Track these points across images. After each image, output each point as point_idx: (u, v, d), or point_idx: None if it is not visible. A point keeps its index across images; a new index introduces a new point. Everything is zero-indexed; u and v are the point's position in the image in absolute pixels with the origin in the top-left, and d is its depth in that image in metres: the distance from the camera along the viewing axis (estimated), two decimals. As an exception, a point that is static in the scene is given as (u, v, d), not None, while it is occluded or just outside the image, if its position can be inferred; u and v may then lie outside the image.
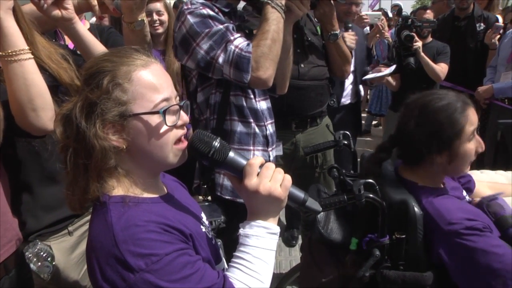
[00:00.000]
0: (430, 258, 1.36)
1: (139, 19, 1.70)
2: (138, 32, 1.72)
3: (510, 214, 1.51)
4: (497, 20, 4.11)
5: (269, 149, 1.84)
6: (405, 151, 1.50)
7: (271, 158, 1.84)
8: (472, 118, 1.40)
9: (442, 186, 1.48)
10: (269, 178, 1.01)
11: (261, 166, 1.02)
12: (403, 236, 1.34)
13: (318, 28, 2.40)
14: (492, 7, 4.63)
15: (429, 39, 3.74)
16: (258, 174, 1.01)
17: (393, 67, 3.39)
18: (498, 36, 3.87)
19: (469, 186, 1.68)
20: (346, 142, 1.84)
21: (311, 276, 1.58)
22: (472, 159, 1.44)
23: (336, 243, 1.47)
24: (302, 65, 2.34)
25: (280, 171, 1.04)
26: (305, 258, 1.70)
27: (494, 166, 2.47)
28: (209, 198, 1.74)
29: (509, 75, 3.44)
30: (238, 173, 1.03)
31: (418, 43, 3.51)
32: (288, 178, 1.03)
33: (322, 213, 1.50)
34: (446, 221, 1.33)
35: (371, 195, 1.32)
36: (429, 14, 4.45)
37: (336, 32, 2.34)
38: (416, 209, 1.34)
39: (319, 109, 2.47)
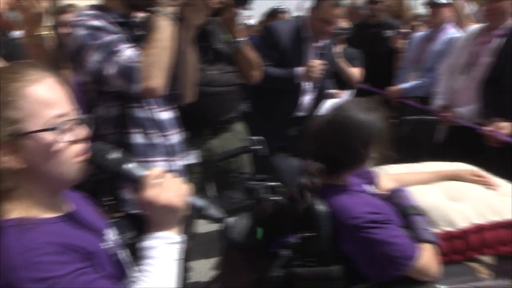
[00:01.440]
0: (339, 252, 1.43)
1: (41, 33, 1.66)
2: (39, 46, 1.67)
3: (412, 204, 1.62)
4: (402, 27, 4.40)
5: (174, 158, 1.84)
6: (317, 158, 1.53)
7: (177, 167, 1.84)
8: (378, 126, 1.48)
9: (346, 183, 1.55)
10: (165, 188, 1.02)
11: (158, 177, 1.03)
12: (312, 234, 1.39)
13: (227, 35, 2.43)
14: (402, 14, 4.93)
15: (343, 45, 3.92)
16: (155, 186, 1.01)
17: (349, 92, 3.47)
18: (405, 40, 4.13)
19: (373, 180, 1.77)
20: (256, 147, 1.87)
21: (229, 281, 1.60)
22: (374, 161, 1.53)
23: (248, 246, 1.49)
24: (212, 72, 2.37)
25: (177, 181, 1.05)
26: (222, 265, 1.72)
27: (405, 161, 2.62)
28: (122, 213, 1.71)
29: (415, 75, 3.69)
30: (137, 185, 1.03)
31: (338, 49, 3.69)
32: (186, 187, 1.05)
33: (234, 217, 1.53)
34: (349, 216, 1.40)
35: (275, 198, 1.36)
36: (343, 22, 4.67)
37: (238, 40, 2.39)
38: (320, 207, 1.39)
39: (231, 115, 2.50)
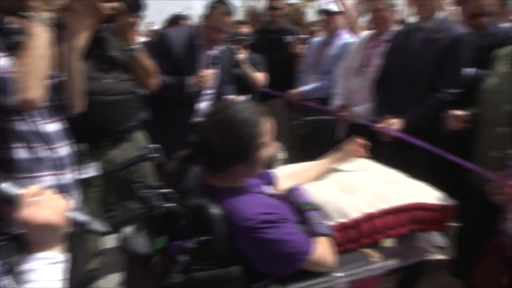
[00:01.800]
0: (237, 253, 1.44)
1: None
2: None
3: (307, 200, 1.68)
4: (301, 33, 4.58)
5: (63, 172, 1.76)
6: (207, 160, 1.55)
7: (67, 181, 1.76)
8: (267, 127, 1.51)
9: (243, 184, 1.57)
10: (43, 206, 0.97)
11: (35, 195, 0.98)
12: (208, 237, 1.39)
13: (122, 43, 2.38)
14: (301, 21, 5.13)
15: (247, 51, 3.99)
16: (31, 204, 0.96)
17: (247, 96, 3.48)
18: (304, 45, 4.31)
19: (271, 180, 1.81)
20: (153, 155, 1.84)
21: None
22: (263, 164, 1.56)
23: (146, 256, 1.46)
24: (107, 81, 2.30)
25: (56, 197, 1.00)
26: (126, 279, 1.67)
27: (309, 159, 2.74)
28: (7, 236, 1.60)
29: (314, 78, 3.85)
30: (13, 205, 0.97)
31: (242, 55, 3.76)
32: (65, 203, 1.00)
33: (132, 228, 1.49)
34: (243, 218, 1.42)
35: (167, 205, 1.35)
36: (246, 28, 4.77)
37: (132, 47, 2.35)
38: (214, 210, 1.40)
39: (130, 124, 2.45)
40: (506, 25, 3.05)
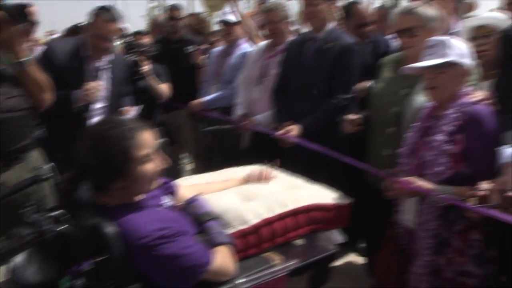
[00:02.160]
0: (135, 271, 1.42)
1: None
2: None
3: (207, 211, 1.71)
4: (202, 43, 4.61)
5: None
6: (89, 178, 1.52)
7: None
8: (144, 141, 1.49)
9: (137, 200, 1.56)
10: None
11: None
12: (104, 257, 1.36)
13: (9, 55, 2.23)
14: (204, 31, 5.15)
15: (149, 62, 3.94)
16: None
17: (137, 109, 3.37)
18: (205, 56, 4.34)
19: (171, 190, 1.82)
20: (48, 176, 1.76)
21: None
22: (154, 178, 1.55)
23: (38, 285, 1.39)
24: None
25: None
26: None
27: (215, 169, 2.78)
28: None
29: (215, 88, 3.90)
30: None
31: (147, 67, 3.70)
32: None
33: (22, 256, 1.41)
34: (138, 235, 1.40)
35: (58, 228, 1.31)
36: (147, 39, 4.71)
37: (21, 60, 2.23)
38: (108, 229, 1.38)
39: (23, 143, 2.31)
40: (388, 36, 3.34)
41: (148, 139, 1.50)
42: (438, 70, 1.95)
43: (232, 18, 3.94)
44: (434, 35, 2.21)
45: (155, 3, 22.98)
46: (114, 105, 3.10)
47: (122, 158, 1.44)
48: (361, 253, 3.33)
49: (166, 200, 1.71)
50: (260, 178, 2.13)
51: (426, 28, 2.30)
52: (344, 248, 3.08)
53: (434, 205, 1.94)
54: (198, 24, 5.13)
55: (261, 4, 4.02)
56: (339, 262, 3.23)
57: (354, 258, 3.36)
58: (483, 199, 1.71)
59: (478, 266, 1.94)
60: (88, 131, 1.51)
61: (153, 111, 3.99)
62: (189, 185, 1.98)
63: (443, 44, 1.96)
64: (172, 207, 1.71)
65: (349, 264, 3.33)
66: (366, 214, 2.73)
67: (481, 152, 1.90)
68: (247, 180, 2.13)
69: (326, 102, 2.86)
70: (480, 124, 1.90)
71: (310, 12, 2.96)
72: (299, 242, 1.96)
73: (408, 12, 2.35)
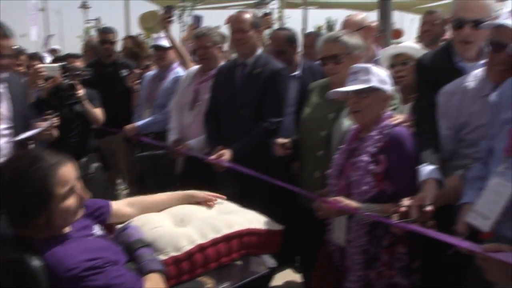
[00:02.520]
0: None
1: None
2: None
3: (138, 238, 1.69)
4: (136, 67, 4.56)
5: None
6: (6, 212, 1.46)
7: None
8: (65, 177, 1.46)
9: (63, 232, 1.52)
10: None
11: None
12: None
13: None
14: (142, 54, 5.08)
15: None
16: None
17: (49, 122, 3.23)
18: (139, 80, 4.30)
19: (103, 217, 1.79)
20: None
21: None
22: (78, 209, 1.52)
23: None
24: None
25: None
26: None
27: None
28: None
29: (149, 112, 3.88)
30: None
31: (82, 91, 3.61)
32: None
33: None
34: (66, 268, 1.36)
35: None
36: (80, 62, 4.59)
37: None
38: (34, 263, 1.33)
39: None
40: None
41: (68, 174, 1.47)
42: (361, 95, 2.07)
43: (165, 43, 3.95)
44: (357, 62, 2.35)
45: (91, 24, 22.63)
46: (19, 125, 2.82)
47: (42, 197, 1.40)
48: (298, 270, 3.39)
49: (96, 229, 1.67)
50: (203, 197, 2.15)
51: (350, 55, 2.43)
52: (283, 266, 3.14)
53: (362, 222, 2.04)
54: (135, 47, 5.05)
55: (194, 29, 4.07)
56: (277, 280, 3.28)
57: (292, 275, 3.44)
58: (405, 215, 1.81)
59: (405, 278, 2.05)
60: (5, 167, 1.45)
61: (88, 136, 3.90)
62: (130, 202, 1.97)
63: (365, 71, 2.08)
64: (103, 236, 1.67)
65: (288, 282, 3.41)
66: (301, 233, 2.80)
67: (402, 171, 2.02)
68: (190, 197, 2.14)
69: (256, 126, 2.92)
70: (400, 145, 2.03)
71: (238, 38, 3.04)
72: (231, 264, 1.98)
73: (334, 40, 2.48)
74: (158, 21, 4.89)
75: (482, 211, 1.57)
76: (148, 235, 1.76)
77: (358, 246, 2.06)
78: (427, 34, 3.90)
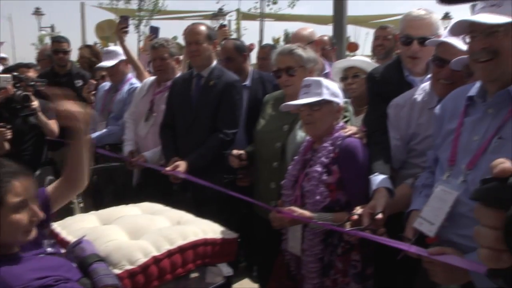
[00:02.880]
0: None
1: None
2: None
3: (92, 253, 1.66)
4: (91, 78, 4.47)
5: None
6: None
7: None
8: (20, 188, 1.43)
9: (13, 250, 1.47)
10: None
11: None
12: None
13: None
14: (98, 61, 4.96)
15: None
16: None
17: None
18: (94, 91, 4.23)
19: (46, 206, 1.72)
20: None
21: None
22: (29, 229, 1.48)
23: None
24: None
25: None
26: None
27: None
28: None
29: (104, 124, 3.82)
30: None
31: (36, 102, 3.50)
32: None
33: None
34: (15, 286, 1.33)
35: None
36: (33, 72, 4.45)
37: None
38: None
39: None
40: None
41: (24, 187, 1.45)
42: (313, 107, 2.13)
43: (111, 60, 3.85)
44: (311, 75, 2.42)
45: (45, 32, 21.90)
46: None
47: None
48: (255, 280, 3.41)
49: (47, 247, 1.63)
50: None
51: (304, 68, 2.50)
52: (240, 276, 3.15)
53: (316, 231, 2.09)
54: (93, 57, 4.93)
55: (151, 40, 4.03)
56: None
57: (250, 284, 3.45)
58: (357, 223, 1.87)
59: (359, 284, 2.10)
60: None
61: (42, 149, 3.79)
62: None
63: (317, 84, 2.14)
64: (54, 253, 1.63)
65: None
66: (258, 243, 2.83)
67: (354, 181, 2.09)
68: None
69: (212, 137, 2.94)
70: (352, 156, 2.09)
71: (193, 50, 3.05)
72: (188, 276, 1.98)
73: (288, 52, 2.54)
74: (114, 30, 4.82)
75: (428, 217, 1.64)
76: (102, 249, 1.74)
77: (313, 254, 2.10)
78: (380, 49, 4.06)
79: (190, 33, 3.08)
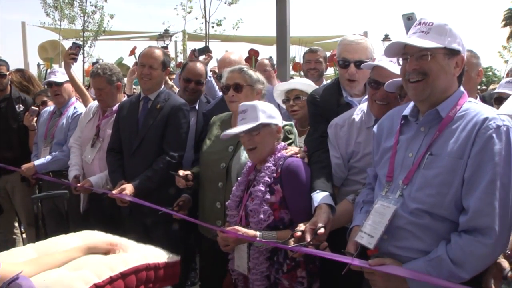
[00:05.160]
0: None
1: None
2: None
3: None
4: (33, 104, 4.32)
5: None
6: None
7: None
8: None
9: None
10: None
11: None
12: None
13: None
14: (33, 89, 4.79)
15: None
16: None
17: None
18: (36, 116, 4.08)
19: None
20: None
21: None
22: None
23: None
24: None
25: None
26: None
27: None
28: None
29: (47, 150, 3.72)
30: None
31: None
32: None
33: None
34: None
35: None
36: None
37: None
38: None
39: None
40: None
41: None
42: (252, 133, 2.18)
43: (59, 78, 3.79)
44: (257, 97, 2.51)
45: (-17, 53, 20.97)
46: None
47: None
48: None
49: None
50: (106, 247, 2.06)
51: (252, 87, 2.57)
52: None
53: (261, 249, 2.13)
54: (24, 81, 4.71)
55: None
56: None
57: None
58: (301, 239, 1.92)
59: (306, 300, 2.14)
60: None
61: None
62: (28, 261, 1.85)
63: (253, 108, 2.20)
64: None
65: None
66: (205, 263, 2.85)
67: (296, 199, 2.15)
68: (93, 249, 2.03)
69: (158, 160, 2.94)
70: (293, 175, 2.16)
71: (146, 74, 3.04)
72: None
73: (238, 70, 2.61)
74: (63, 55, 4.66)
75: (368, 231, 1.73)
76: (40, 283, 1.69)
77: (259, 272, 2.15)
78: (313, 72, 4.10)
79: (147, 56, 3.08)
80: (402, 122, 1.81)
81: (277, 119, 2.26)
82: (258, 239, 2.06)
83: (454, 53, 1.66)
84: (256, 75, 2.63)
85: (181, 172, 2.65)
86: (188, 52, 16.23)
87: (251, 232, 2.09)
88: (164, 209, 2.58)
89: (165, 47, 4.81)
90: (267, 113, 2.21)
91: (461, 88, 1.74)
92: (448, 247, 1.57)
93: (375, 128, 1.98)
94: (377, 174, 1.90)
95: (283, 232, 2.07)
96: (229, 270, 2.36)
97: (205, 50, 4.19)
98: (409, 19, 2.36)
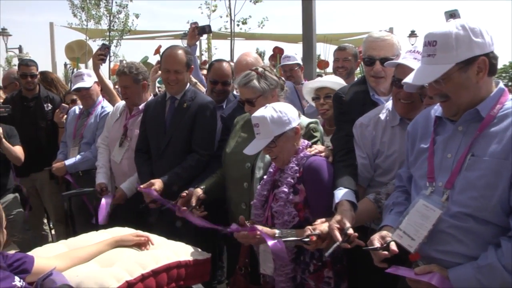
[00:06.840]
0: None
1: None
2: None
3: (63, 284, 1.65)
4: (62, 101, 4.41)
5: None
6: None
7: None
8: None
9: None
10: None
11: None
12: None
13: None
14: (58, 89, 4.86)
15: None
16: None
17: None
18: (65, 115, 4.16)
19: (25, 266, 1.72)
20: None
21: None
22: None
23: None
24: None
25: None
26: None
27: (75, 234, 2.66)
28: None
29: (76, 150, 3.78)
30: None
31: (0, 129, 3.44)
32: None
33: None
34: None
35: None
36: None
37: None
38: None
39: None
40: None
41: None
42: (270, 146, 2.16)
43: (87, 81, 3.80)
44: (274, 99, 2.45)
45: (13, 53, 21.34)
46: None
47: None
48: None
49: (17, 280, 1.61)
50: (133, 239, 2.10)
51: (263, 96, 2.48)
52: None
53: (289, 249, 2.09)
54: (47, 85, 4.72)
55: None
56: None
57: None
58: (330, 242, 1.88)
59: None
60: None
61: (7, 176, 3.74)
62: (58, 256, 1.89)
63: (263, 123, 2.14)
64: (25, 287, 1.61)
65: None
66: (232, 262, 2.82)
67: (318, 198, 2.12)
68: (120, 242, 2.08)
69: (189, 157, 2.94)
70: (316, 174, 2.13)
71: (172, 79, 3.02)
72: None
73: (243, 85, 2.52)
74: (90, 55, 4.73)
75: (408, 232, 1.67)
76: (73, 279, 1.72)
77: (285, 274, 2.13)
78: (341, 70, 3.99)
79: (170, 61, 3.03)
80: (436, 122, 1.75)
81: (293, 122, 2.18)
82: (277, 235, 2.03)
83: (470, 61, 1.57)
84: (261, 82, 2.50)
85: (193, 201, 2.56)
86: (213, 50, 16.28)
87: (269, 230, 2.06)
88: (168, 204, 2.58)
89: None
90: (280, 121, 2.14)
91: (501, 84, 1.66)
92: (498, 253, 1.50)
93: (409, 127, 1.91)
94: (411, 176, 1.83)
95: (302, 230, 2.03)
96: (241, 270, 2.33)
97: (206, 30, 3.99)
98: (452, 16, 2.29)
